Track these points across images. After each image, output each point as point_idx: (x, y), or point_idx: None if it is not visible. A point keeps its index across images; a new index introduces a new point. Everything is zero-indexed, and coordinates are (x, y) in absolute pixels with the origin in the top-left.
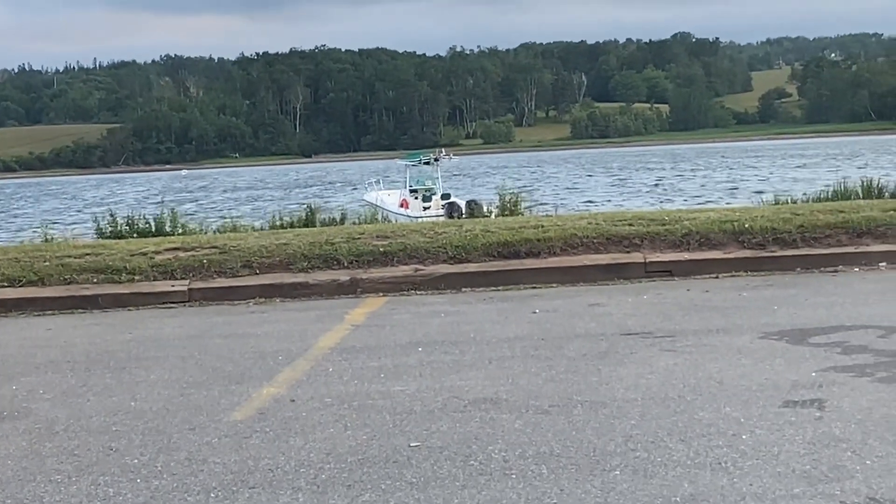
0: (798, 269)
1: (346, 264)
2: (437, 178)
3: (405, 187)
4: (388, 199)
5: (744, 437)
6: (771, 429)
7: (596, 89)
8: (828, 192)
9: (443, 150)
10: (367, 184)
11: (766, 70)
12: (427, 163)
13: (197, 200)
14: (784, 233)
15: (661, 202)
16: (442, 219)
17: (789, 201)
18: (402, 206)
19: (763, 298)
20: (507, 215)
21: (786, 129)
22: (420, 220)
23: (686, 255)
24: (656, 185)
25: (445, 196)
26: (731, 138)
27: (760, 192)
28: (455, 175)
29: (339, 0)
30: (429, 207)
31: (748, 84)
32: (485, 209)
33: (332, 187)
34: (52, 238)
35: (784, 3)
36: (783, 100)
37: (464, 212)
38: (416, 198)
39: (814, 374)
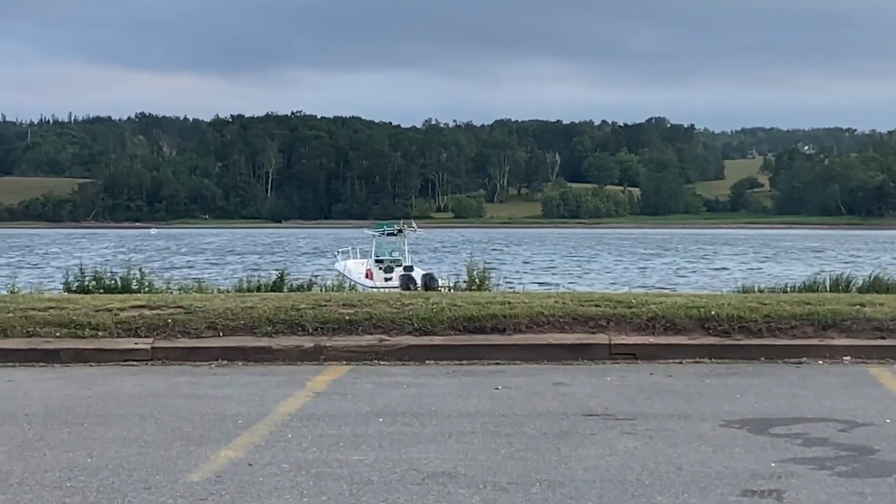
0: (762, 358)
1: (310, 331)
2: (404, 249)
3: (371, 257)
4: (356, 268)
5: None
6: None
7: (569, 169)
8: (795, 284)
9: (412, 221)
10: (338, 252)
11: (739, 159)
12: (392, 234)
13: (165, 259)
14: (750, 321)
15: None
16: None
17: (756, 290)
18: (367, 276)
19: (726, 386)
20: (473, 289)
21: (756, 219)
22: (380, 290)
23: (651, 339)
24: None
25: (408, 268)
26: (701, 224)
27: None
28: (428, 248)
29: (316, 66)
30: (390, 279)
31: (720, 172)
32: (439, 284)
33: (297, 254)
34: (18, 290)
35: (760, 94)
36: (755, 189)
37: (418, 285)
38: (381, 268)
39: (773, 464)
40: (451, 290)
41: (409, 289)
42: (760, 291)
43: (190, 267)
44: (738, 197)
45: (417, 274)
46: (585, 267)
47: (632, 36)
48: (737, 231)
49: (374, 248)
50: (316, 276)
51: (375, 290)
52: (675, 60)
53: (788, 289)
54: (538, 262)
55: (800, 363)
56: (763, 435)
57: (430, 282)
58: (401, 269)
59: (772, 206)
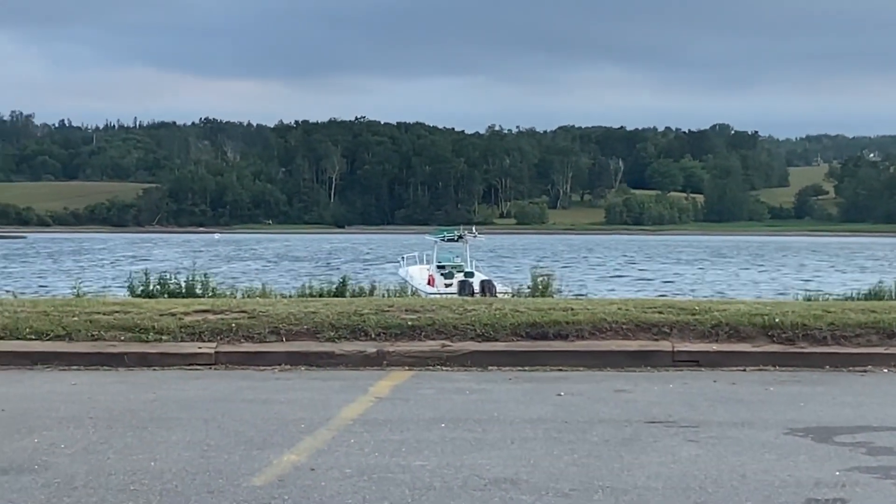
0: (826, 366)
1: (373, 336)
2: (466, 255)
3: (433, 263)
4: (418, 274)
5: None
6: None
7: (632, 176)
8: (860, 292)
9: (472, 227)
10: (402, 258)
11: (804, 166)
12: (452, 239)
13: (229, 262)
14: (814, 329)
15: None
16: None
17: (821, 298)
18: (429, 282)
19: (790, 394)
20: (537, 296)
21: (821, 227)
22: (441, 296)
23: (714, 346)
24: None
25: (468, 274)
26: (765, 232)
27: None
28: (491, 254)
29: (380, 73)
30: (451, 284)
31: (785, 179)
32: (498, 290)
33: (361, 261)
34: (83, 294)
35: (825, 101)
36: (819, 197)
37: (476, 291)
38: (442, 274)
39: (837, 473)
40: (512, 297)
41: (467, 294)
42: (825, 299)
43: (251, 272)
44: (802, 204)
45: (476, 280)
46: (648, 274)
47: (696, 42)
48: (801, 238)
49: (435, 254)
50: (378, 282)
51: (436, 296)
52: (740, 67)
53: (854, 296)
54: (601, 268)
55: (864, 371)
56: (827, 443)
57: (488, 288)
58: (461, 274)
59: (837, 214)
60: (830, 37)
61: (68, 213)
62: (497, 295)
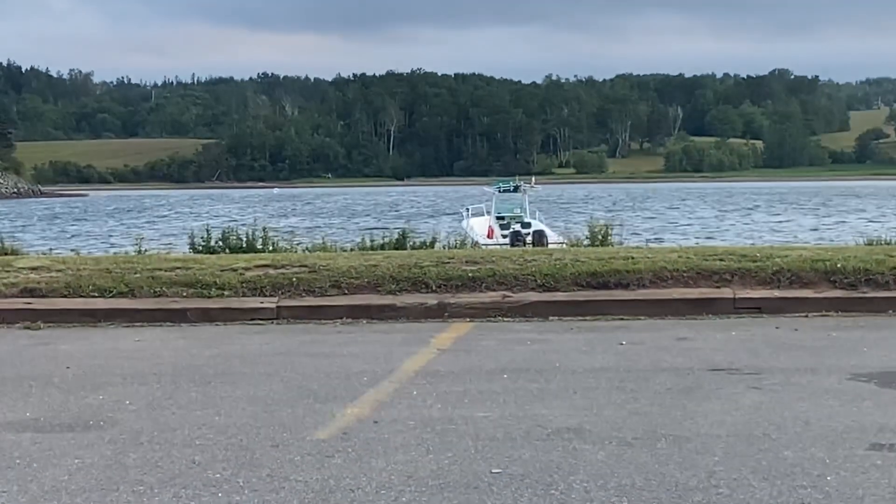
0: (890, 311)
1: (434, 288)
2: (525, 205)
3: (492, 215)
4: (479, 226)
5: (829, 478)
6: (856, 471)
7: (691, 123)
8: None
9: (532, 178)
10: (466, 209)
11: (865, 110)
12: (508, 190)
13: (286, 216)
14: (877, 274)
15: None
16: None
17: (883, 242)
18: (488, 234)
19: (852, 339)
20: (596, 245)
21: (883, 170)
22: (500, 247)
23: (776, 293)
24: None
25: (525, 224)
26: (826, 177)
27: None
28: (553, 203)
29: (434, 23)
30: (507, 236)
31: (846, 123)
32: (551, 241)
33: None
34: (145, 251)
35: (885, 43)
36: (881, 140)
37: (528, 242)
38: (501, 225)
39: None
40: (569, 247)
41: (519, 244)
42: (887, 243)
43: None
44: (863, 148)
45: (534, 230)
46: (711, 224)
47: None
48: (864, 183)
49: (493, 206)
50: (439, 235)
51: (494, 247)
52: (798, 10)
53: None
54: (664, 217)
55: None
56: (891, 388)
57: (539, 238)
58: (518, 225)
59: None
60: None
61: (129, 170)
62: (549, 245)
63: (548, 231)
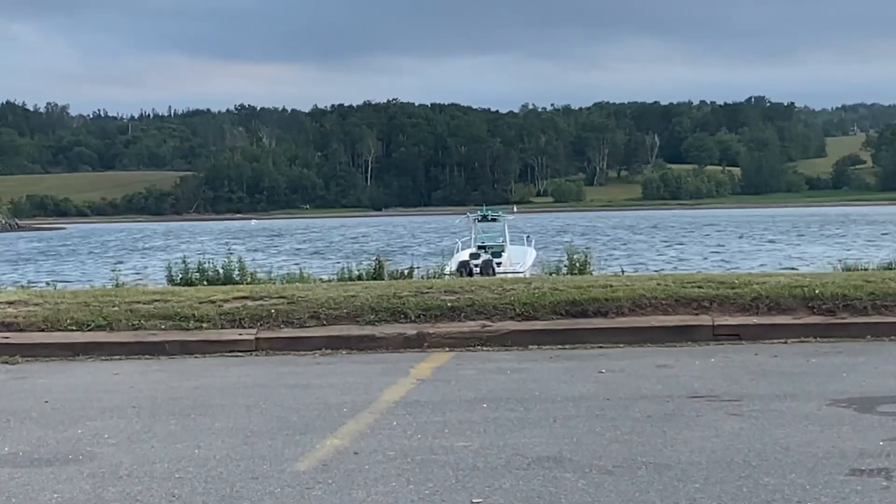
0: (868, 336)
1: (413, 318)
2: (505, 234)
3: (472, 244)
4: (460, 257)
5: None
6: (836, 497)
7: (668, 150)
8: None
9: (514, 206)
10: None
11: (841, 136)
12: (486, 218)
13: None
14: (855, 299)
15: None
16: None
17: (860, 268)
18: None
19: (832, 365)
20: (575, 273)
21: (859, 196)
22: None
23: (755, 320)
24: None
25: (497, 253)
26: (803, 203)
27: None
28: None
29: (411, 53)
30: (478, 265)
31: (822, 150)
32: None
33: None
34: (122, 283)
35: (860, 69)
36: (857, 166)
37: (475, 272)
38: (472, 255)
39: (881, 443)
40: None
41: (466, 274)
42: (864, 269)
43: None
44: (840, 174)
45: (478, 260)
46: (686, 250)
47: (729, 13)
48: (840, 209)
49: (472, 236)
50: (418, 268)
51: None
52: (773, 36)
53: (894, 266)
54: (640, 245)
55: None
56: (871, 414)
57: (486, 268)
58: (506, 254)
59: (875, 183)
60: (863, 3)
61: (106, 203)
62: (496, 274)
63: (529, 256)
